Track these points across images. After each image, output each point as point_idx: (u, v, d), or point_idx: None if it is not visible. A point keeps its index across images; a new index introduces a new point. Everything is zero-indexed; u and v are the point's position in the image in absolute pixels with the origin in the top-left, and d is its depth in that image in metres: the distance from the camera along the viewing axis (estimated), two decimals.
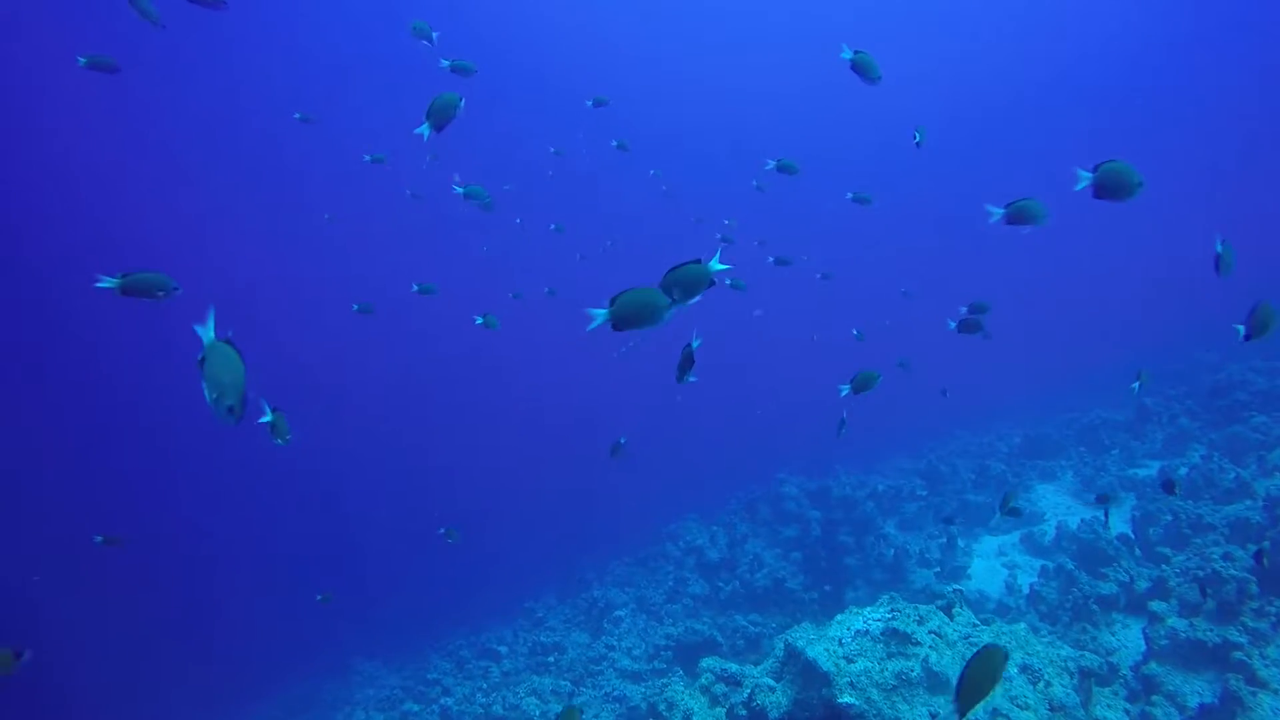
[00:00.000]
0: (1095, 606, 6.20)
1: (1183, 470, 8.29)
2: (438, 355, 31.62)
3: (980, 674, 2.04)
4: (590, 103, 7.58)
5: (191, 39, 22.61)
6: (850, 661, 4.26)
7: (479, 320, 6.27)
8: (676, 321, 2.14)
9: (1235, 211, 33.26)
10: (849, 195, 6.46)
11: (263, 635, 14.12)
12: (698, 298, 2.15)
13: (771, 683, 4.71)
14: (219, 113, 25.83)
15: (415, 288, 6.73)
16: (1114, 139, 34.29)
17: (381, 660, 11.88)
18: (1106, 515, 7.01)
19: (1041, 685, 4.26)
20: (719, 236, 9.12)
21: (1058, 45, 31.35)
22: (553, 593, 12.04)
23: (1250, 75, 30.59)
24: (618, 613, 9.85)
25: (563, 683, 8.38)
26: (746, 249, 10.51)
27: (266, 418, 3.44)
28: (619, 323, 2.05)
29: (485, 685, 8.98)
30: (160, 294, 2.77)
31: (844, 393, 4.38)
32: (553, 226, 10.97)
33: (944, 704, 4.05)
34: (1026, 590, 7.29)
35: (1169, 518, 7.12)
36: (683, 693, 5.51)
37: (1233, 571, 5.43)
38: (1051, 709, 4.11)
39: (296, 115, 9.80)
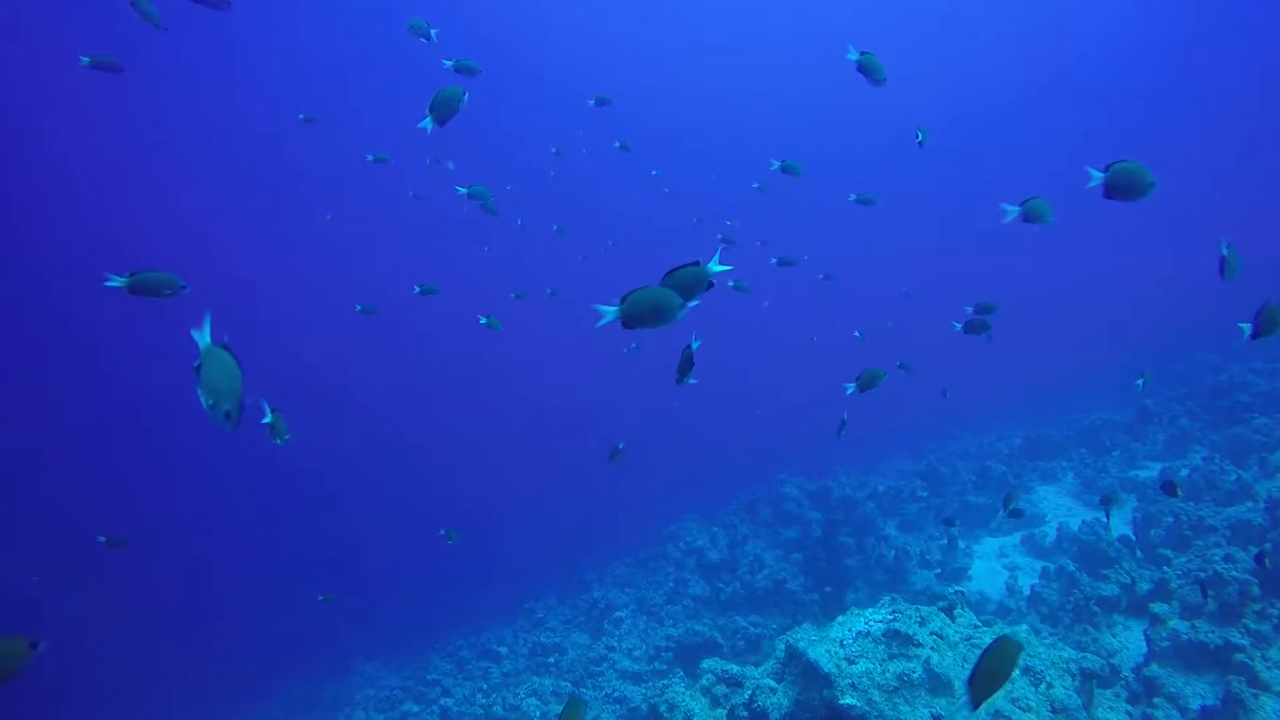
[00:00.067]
0: (1096, 608, 6.19)
1: (1184, 472, 8.28)
2: (439, 355, 31.64)
3: (995, 664, 2.04)
4: (592, 102, 7.58)
5: (192, 39, 22.63)
6: (852, 663, 4.25)
7: (483, 320, 6.26)
8: (677, 323, 2.13)
9: (1235, 212, 33.25)
10: (852, 197, 6.45)
11: (263, 635, 14.12)
12: (696, 300, 2.14)
13: (773, 684, 4.70)
14: (221, 113, 25.86)
15: (417, 289, 6.72)
16: (1114, 139, 34.27)
17: (381, 660, 11.88)
18: (1108, 516, 7.00)
19: (1043, 687, 4.25)
20: (720, 237, 9.12)
21: (1058, 45, 31.36)
22: (553, 593, 12.03)
23: (1251, 75, 30.59)
24: (618, 614, 9.85)
25: (563, 684, 8.38)
26: (749, 249, 10.51)
27: (268, 419, 3.44)
28: (629, 321, 2.05)
29: (485, 686, 8.97)
30: (168, 293, 2.77)
31: (850, 391, 4.38)
32: (555, 227, 10.97)
33: (946, 705, 4.05)
34: (1027, 592, 7.27)
35: (1170, 519, 7.11)
36: (684, 694, 5.50)
37: (1234, 573, 5.42)
38: (1054, 711, 4.11)
39: (301, 116, 9.80)
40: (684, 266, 2.10)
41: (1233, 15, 27.16)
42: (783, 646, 4.89)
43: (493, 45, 26.96)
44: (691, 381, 2.62)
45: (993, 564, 8.67)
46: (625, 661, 8.58)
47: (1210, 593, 5.41)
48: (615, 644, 9.02)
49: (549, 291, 11.52)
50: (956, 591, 5.30)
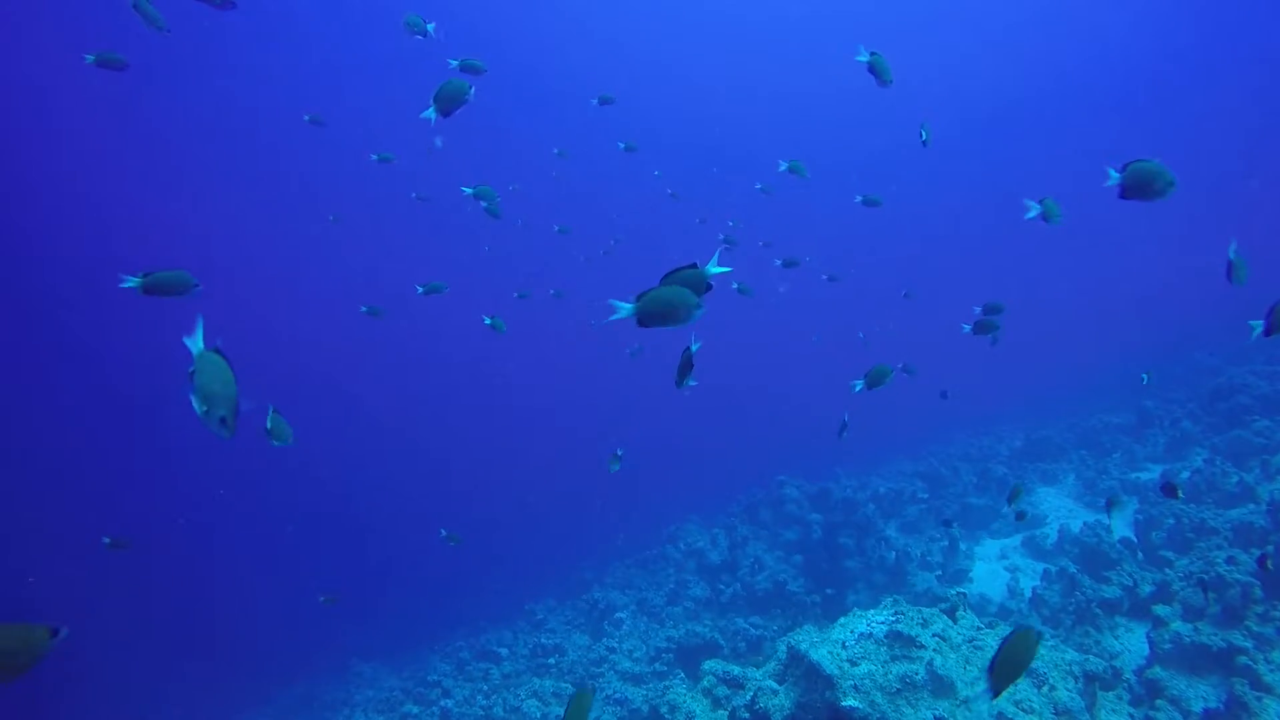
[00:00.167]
0: (1098, 610, 6.18)
1: (1185, 474, 8.28)
2: (440, 356, 31.64)
3: (1016, 653, 2.06)
4: (596, 101, 7.57)
5: (194, 40, 22.62)
6: (854, 664, 4.24)
7: (487, 321, 6.25)
8: (692, 323, 2.11)
9: (1236, 212, 33.27)
10: (858, 198, 6.43)
11: (262, 636, 14.10)
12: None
13: (774, 685, 4.70)
14: (223, 113, 25.85)
15: (420, 289, 6.69)
16: (1114, 140, 34.28)
17: (381, 661, 11.86)
18: (1110, 518, 6.99)
19: (1046, 689, 4.24)
20: (721, 238, 9.11)
21: (1058, 46, 31.37)
22: (553, 594, 12.01)
23: (1252, 75, 30.61)
24: (618, 615, 9.83)
25: (563, 685, 8.36)
26: (751, 250, 10.51)
27: (269, 424, 3.41)
28: (644, 319, 2.02)
29: (485, 687, 8.95)
30: (182, 292, 2.77)
31: (858, 388, 4.37)
32: (556, 228, 10.98)
33: (948, 707, 4.03)
34: (1029, 594, 7.26)
35: (1172, 521, 7.10)
36: (685, 695, 5.50)
37: (1237, 575, 5.41)
38: (1057, 713, 4.09)
39: (306, 117, 9.79)
40: (682, 269, 2.07)
41: (1234, 15, 27.20)
42: (784, 648, 4.88)
43: (495, 46, 26.99)
44: (692, 384, 2.61)
45: (994, 566, 8.65)
46: (626, 663, 8.56)
47: (1211, 592, 5.40)
48: (616, 645, 9.00)
49: (553, 292, 11.51)
50: (959, 593, 5.29)
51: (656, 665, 8.29)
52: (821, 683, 4.25)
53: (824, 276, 10.03)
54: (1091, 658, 4.97)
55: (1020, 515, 4.67)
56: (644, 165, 24.16)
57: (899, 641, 4.36)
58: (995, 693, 2.06)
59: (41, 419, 24.16)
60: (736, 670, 5.51)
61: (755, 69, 32.47)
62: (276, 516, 20.63)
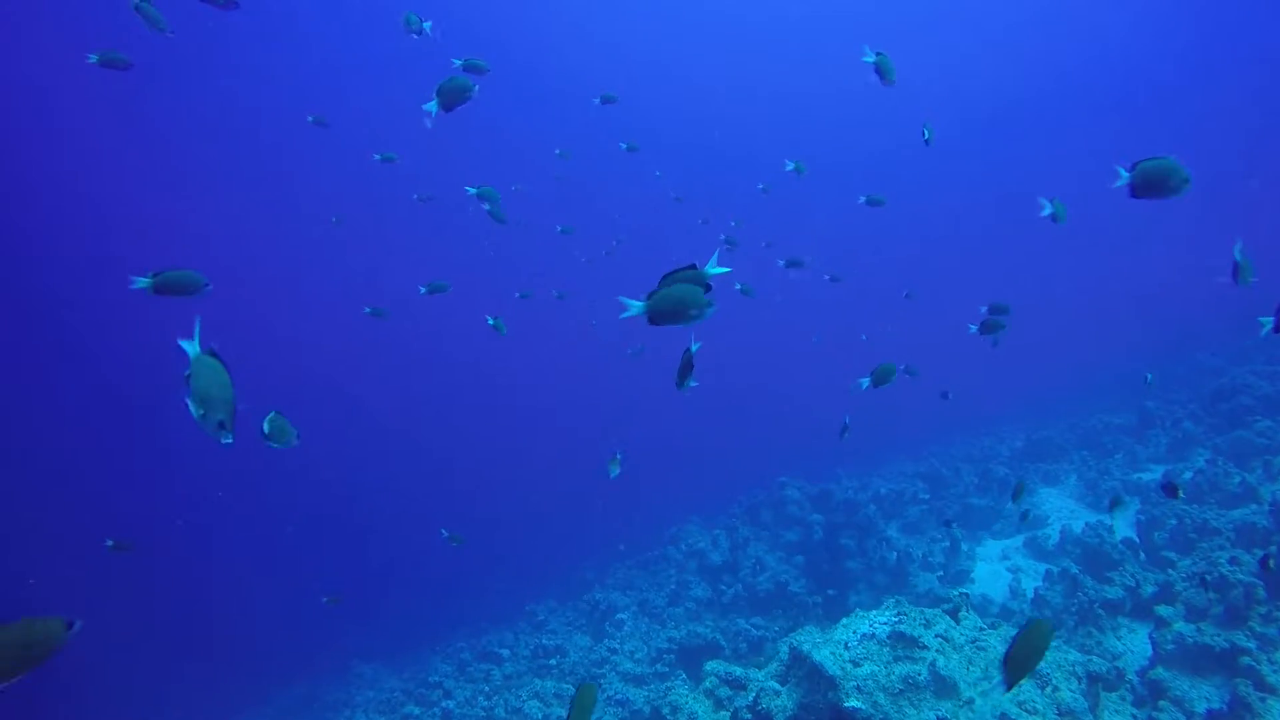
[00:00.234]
0: (1101, 611, 6.17)
1: (1187, 475, 8.27)
2: (441, 356, 31.63)
3: (1030, 645, 2.08)
4: (599, 100, 7.57)
5: (195, 39, 22.62)
6: (857, 665, 4.24)
7: (491, 322, 6.24)
8: (677, 325, 2.10)
9: (1236, 212, 33.25)
10: (862, 199, 6.42)
11: (263, 637, 14.09)
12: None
13: (777, 686, 4.69)
14: (224, 113, 25.85)
15: (423, 289, 6.68)
16: (1115, 140, 34.28)
17: (382, 662, 11.85)
18: (1112, 518, 6.98)
19: (1049, 690, 4.23)
20: (723, 238, 9.10)
21: (1058, 46, 31.38)
22: (554, 595, 12.01)
23: (1252, 75, 30.61)
24: (620, 615, 9.82)
25: (565, 686, 8.35)
26: (753, 251, 10.50)
27: (267, 428, 3.38)
28: (656, 317, 2.01)
29: (487, 688, 8.94)
30: (193, 292, 2.76)
31: (865, 386, 4.37)
32: (559, 228, 10.97)
33: (951, 708, 4.03)
34: (1030, 594, 7.25)
35: (1174, 522, 7.09)
36: (687, 696, 5.49)
37: (1240, 576, 5.40)
38: (1060, 714, 4.09)
39: (310, 118, 9.77)
40: (681, 269, 2.06)
41: (1234, 16, 27.19)
42: (786, 649, 4.88)
43: (494, 46, 26.98)
44: (692, 384, 2.60)
45: (995, 566, 8.64)
46: (627, 664, 8.55)
47: (1212, 587, 5.40)
48: (617, 646, 8.99)
49: (556, 294, 11.50)
50: (961, 594, 5.28)
51: (658, 666, 8.29)
52: (824, 683, 4.24)
53: (826, 277, 10.03)
54: (1094, 658, 4.97)
55: (1024, 515, 4.67)
56: (645, 165, 24.15)
57: (902, 642, 4.35)
58: (1010, 684, 2.08)
59: (41, 419, 24.15)
60: (738, 671, 5.50)
61: (755, 69, 32.47)
62: (277, 517, 20.63)
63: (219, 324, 1.83)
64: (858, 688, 4.08)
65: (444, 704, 8.86)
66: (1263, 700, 4.54)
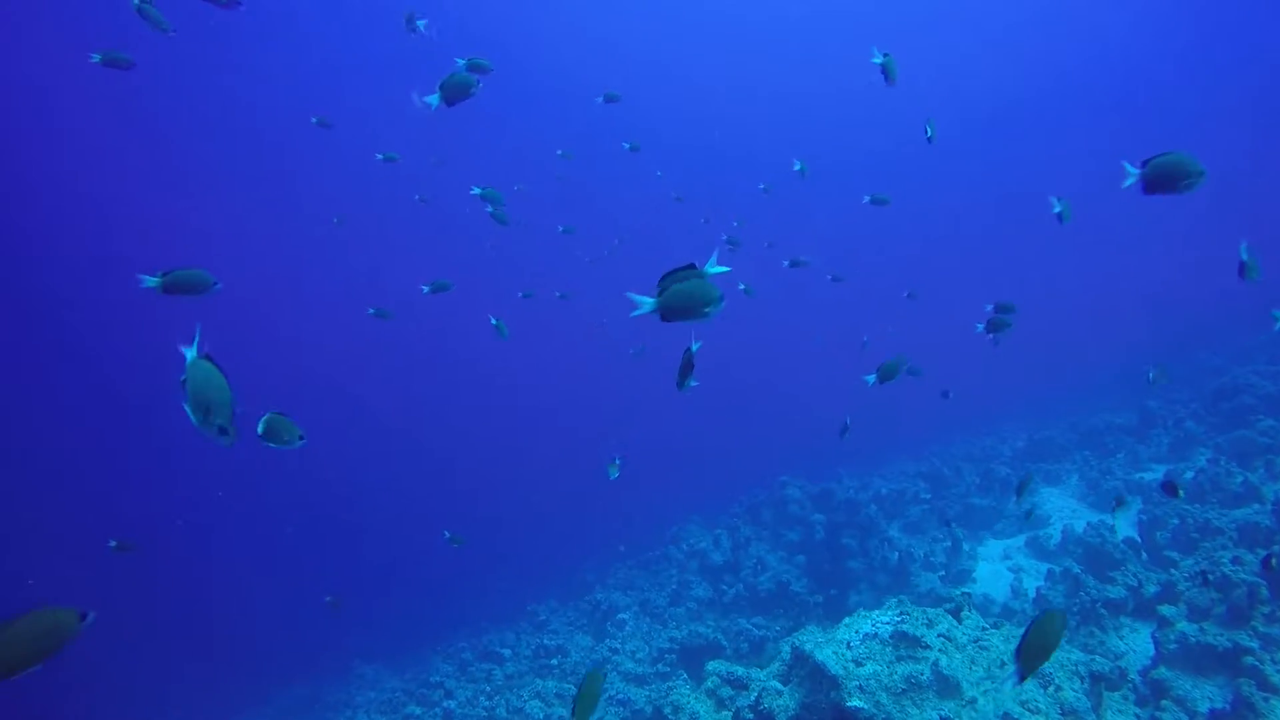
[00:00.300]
0: (1103, 610, 6.16)
1: (1189, 474, 8.26)
2: (442, 356, 31.62)
3: (1043, 636, 2.08)
4: (601, 99, 7.56)
5: (196, 39, 22.63)
6: (859, 665, 4.23)
7: (494, 322, 6.23)
8: (678, 325, 2.09)
9: (1236, 212, 33.22)
10: (866, 198, 6.42)
11: (264, 637, 14.08)
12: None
13: (779, 686, 4.68)
14: (226, 114, 25.85)
15: (426, 288, 6.67)
16: (1115, 140, 34.26)
17: (383, 662, 11.84)
18: (1115, 517, 6.97)
19: (1052, 689, 4.23)
20: (724, 238, 9.09)
21: (1058, 46, 31.37)
22: (555, 595, 12.00)
23: (1252, 75, 30.59)
24: (621, 615, 9.82)
25: (566, 685, 8.35)
26: (755, 251, 10.49)
27: (261, 430, 3.36)
28: (667, 314, 1.99)
29: (488, 688, 8.93)
30: (202, 291, 2.76)
31: (871, 381, 4.37)
32: (561, 228, 10.96)
33: (954, 708, 4.02)
34: (1032, 594, 7.24)
35: (1176, 521, 7.08)
36: (688, 696, 5.48)
37: (1242, 575, 5.39)
38: (1063, 713, 4.08)
39: (314, 119, 9.76)
40: (680, 270, 2.04)
41: (1234, 16, 27.18)
42: (788, 648, 4.87)
43: (494, 46, 26.98)
44: (693, 384, 2.59)
45: (997, 566, 8.63)
46: (628, 663, 8.54)
47: (1212, 582, 5.39)
48: (618, 646, 8.99)
49: (558, 294, 11.49)
50: (963, 593, 5.27)
51: (659, 666, 8.28)
52: (826, 683, 4.24)
53: (828, 277, 10.02)
54: (1097, 658, 4.96)
55: (1029, 513, 4.68)
56: (646, 165, 24.13)
57: (904, 642, 4.34)
58: (1023, 676, 2.08)
59: (41, 419, 24.16)
60: (740, 671, 5.50)
61: (755, 69, 32.46)
62: (277, 517, 20.63)
63: (220, 324, 1.82)
64: (860, 687, 4.08)
65: (445, 704, 8.85)
66: (1266, 700, 4.54)
